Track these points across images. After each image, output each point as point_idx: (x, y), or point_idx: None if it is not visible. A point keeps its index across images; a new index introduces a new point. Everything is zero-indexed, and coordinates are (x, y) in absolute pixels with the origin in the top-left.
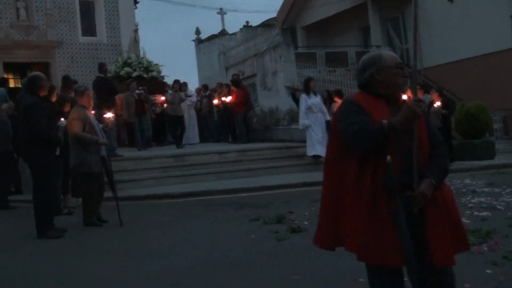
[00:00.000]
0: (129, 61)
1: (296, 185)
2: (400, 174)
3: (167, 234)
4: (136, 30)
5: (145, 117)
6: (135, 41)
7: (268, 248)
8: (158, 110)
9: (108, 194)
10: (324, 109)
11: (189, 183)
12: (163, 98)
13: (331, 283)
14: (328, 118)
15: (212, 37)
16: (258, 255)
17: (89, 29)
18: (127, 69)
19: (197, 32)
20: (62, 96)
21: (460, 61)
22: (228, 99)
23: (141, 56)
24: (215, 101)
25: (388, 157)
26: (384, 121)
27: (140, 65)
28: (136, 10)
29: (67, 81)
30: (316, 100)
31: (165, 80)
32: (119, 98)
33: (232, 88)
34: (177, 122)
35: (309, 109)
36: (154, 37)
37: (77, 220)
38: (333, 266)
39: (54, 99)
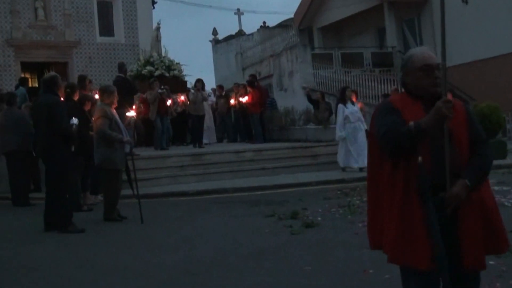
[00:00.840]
0: (151, 59)
1: (310, 184)
2: (433, 175)
3: (185, 229)
4: (158, 29)
5: (166, 116)
6: (157, 39)
7: (282, 241)
8: (179, 109)
9: (124, 192)
10: (362, 117)
11: (205, 182)
12: (182, 98)
13: (341, 274)
14: (366, 126)
15: (229, 38)
16: (273, 248)
17: (106, 29)
18: (149, 67)
19: (214, 32)
20: (84, 95)
21: (475, 62)
22: (245, 99)
23: (163, 55)
24: (232, 101)
25: (420, 158)
26: (411, 123)
27: (162, 64)
28: (153, 10)
29: (82, 81)
30: (353, 108)
31: (186, 79)
32: (141, 97)
33: (248, 88)
34: (199, 121)
35: (346, 119)
36: (171, 37)
37: (97, 216)
38: (344, 258)
39: (76, 98)
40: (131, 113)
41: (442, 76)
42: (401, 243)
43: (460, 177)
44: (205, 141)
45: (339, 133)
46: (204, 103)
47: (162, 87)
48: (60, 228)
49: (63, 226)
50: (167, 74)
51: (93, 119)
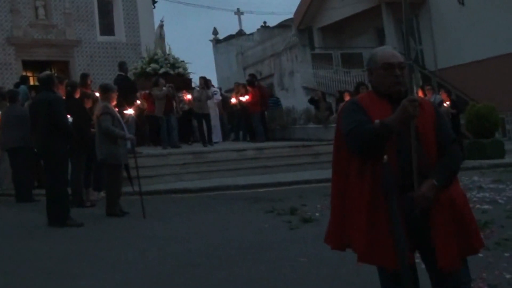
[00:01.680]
0: (156, 57)
1: (310, 181)
2: (401, 175)
3: (186, 223)
4: (161, 26)
5: (172, 114)
6: (161, 37)
7: (280, 235)
8: (186, 107)
9: (126, 189)
10: None
11: (208, 179)
12: (189, 96)
13: (336, 265)
14: None
15: (229, 38)
16: (271, 241)
17: (107, 28)
18: (153, 65)
19: (215, 32)
20: (85, 93)
21: (473, 62)
22: (245, 98)
23: (167, 52)
24: (233, 100)
25: (385, 157)
26: (377, 121)
27: (167, 62)
28: (154, 10)
29: (84, 79)
30: None
31: (191, 77)
32: (144, 94)
33: (248, 88)
34: (204, 119)
35: None
36: (172, 37)
37: (99, 212)
38: (337, 252)
39: (77, 95)
40: (130, 111)
41: (408, 75)
42: (369, 243)
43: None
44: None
45: None
46: (210, 101)
47: (167, 85)
48: (59, 222)
49: (62, 220)
50: (171, 72)
51: (94, 116)
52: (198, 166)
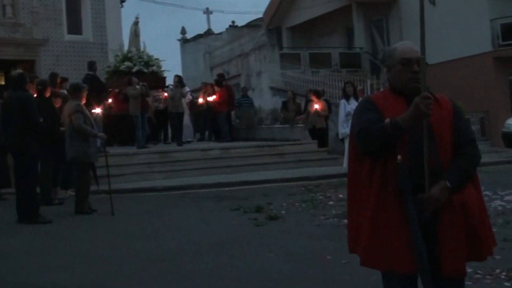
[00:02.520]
0: (130, 55)
1: (275, 181)
2: (412, 175)
3: (154, 221)
4: (136, 23)
5: (146, 113)
6: (136, 34)
7: (247, 232)
8: (161, 106)
9: (94, 187)
10: None
11: (173, 178)
12: (166, 94)
13: (302, 259)
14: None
15: (197, 37)
16: (237, 237)
17: (75, 27)
18: (127, 63)
19: (183, 31)
20: (55, 92)
21: (442, 63)
22: (212, 98)
23: (142, 50)
24: (200, 100)
25: (399, 157)
26: (387, 120)
27: (141, 60)
28: (122, 9)
29: (53, 78)
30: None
31: (165, 76)
32: (114, 92)
33: (216, 87)
34: (178, 118)
35: (348, 115)
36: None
37: (68, 210)
38: (305, 246)
39: (47, 94)
40: (97, 110)
41: (422, 71)
42: (375, 247)
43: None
44: (187, 138)
45: (342, 130)
46: (183, 100)
47: (140, 83)
48: (29, 219)
49: (32, 217)
50: (145, 70)
51: (64, 115)
52: (163, 166)
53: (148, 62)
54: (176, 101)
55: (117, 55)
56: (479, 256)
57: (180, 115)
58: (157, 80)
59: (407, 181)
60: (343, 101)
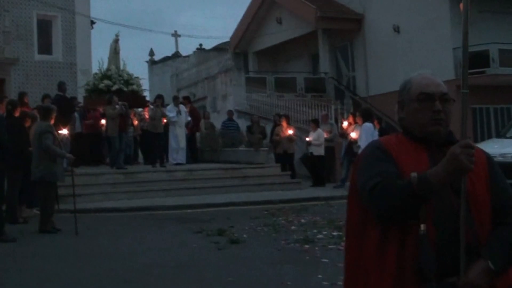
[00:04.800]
0: (109, 73)
1: (238, 204)
2: (440, 252)
3: (117, 242)
4: (116, 41)
5: (125, 133)
6: (116, 52)
7: (209, 255)
8: (145, 126)
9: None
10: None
11: (137, 199)
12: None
13: (262, 285)
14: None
15: (165, 59)
16: (199, 261)
17: (45, 47)
18: (106, 81)
19: (151, 53)
20: (24, 112)
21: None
22: None
23: (121, 68)
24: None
25: (423, 227)
26: (414, 174)
27: (120, 78)
28: (92, 31)
29: (21, 97)
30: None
31: (145, 95)
32: (99, 111)
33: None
34: (157, 139)
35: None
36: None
37: (32, 228)
38: (266, 271)
39: (17, 114)
40: (64, 131)
41: (462, 109)
42: None
43: (479, 257)
44: (178, 161)
45: None
46: (179, 121)
47: (120, 103)
48: None
49: None
50: (125, 89)
51: (31, 135)
52: (128, 186)
53: (128, 80)
54: (156, 121)
55: (96, 73)
56: None
57: (159, 135)
58: (137, 99)
59: (433, 260)
60: (369, 125)
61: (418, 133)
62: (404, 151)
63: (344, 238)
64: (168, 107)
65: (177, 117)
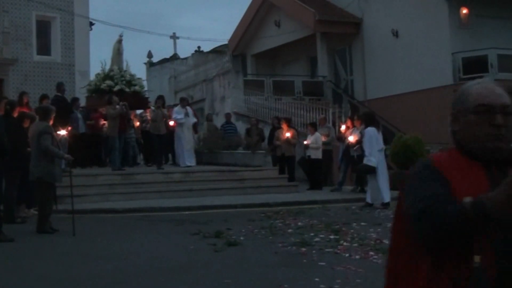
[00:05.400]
0: (111, 73)
1: (235, 206)
2: (498, 286)
3: (114, 242)
4: (120, 41)
5: (125, 134)
6: (119, 52)
7: (205, 257)
8: (148, 127)
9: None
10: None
11: (134, 200)
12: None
13: (258, 287)
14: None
15: (163, 61)
16: (196, 262)
17: (44, 48)
18: (108, 82)
19: (149, 55)
20: (23, 113)
21: (403, 94)
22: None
23: (124, 69)
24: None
25: (477, 258)
26: (468, 199)
27: (122, 79)
28: (91, 32)
29: (21, 98)
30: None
31: (147, 96)
32: (101, 112)
33: None
34: (159, 141)
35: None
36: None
37: (30, 229)
38: (262, 274)
39: (15, 115)
40: (62, 132)
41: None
42: None
43: None
44: (187, 163)
45: (374, 159)
46: (186, 123)
47: (121, 103)
48: None
49: None
50: (127, 90)
51: (30, 135)
52: (125, 187)
53: (131, 81)
54: (158, 123)
55: (98, 74)
56: None
57: (161, 137)
58: (139, 100)
59: None
60: (374, 129)
61: (476, 149)
62: (457, 170)
63: (341, 242)
64: (176, 109)
65: (184, 118)
